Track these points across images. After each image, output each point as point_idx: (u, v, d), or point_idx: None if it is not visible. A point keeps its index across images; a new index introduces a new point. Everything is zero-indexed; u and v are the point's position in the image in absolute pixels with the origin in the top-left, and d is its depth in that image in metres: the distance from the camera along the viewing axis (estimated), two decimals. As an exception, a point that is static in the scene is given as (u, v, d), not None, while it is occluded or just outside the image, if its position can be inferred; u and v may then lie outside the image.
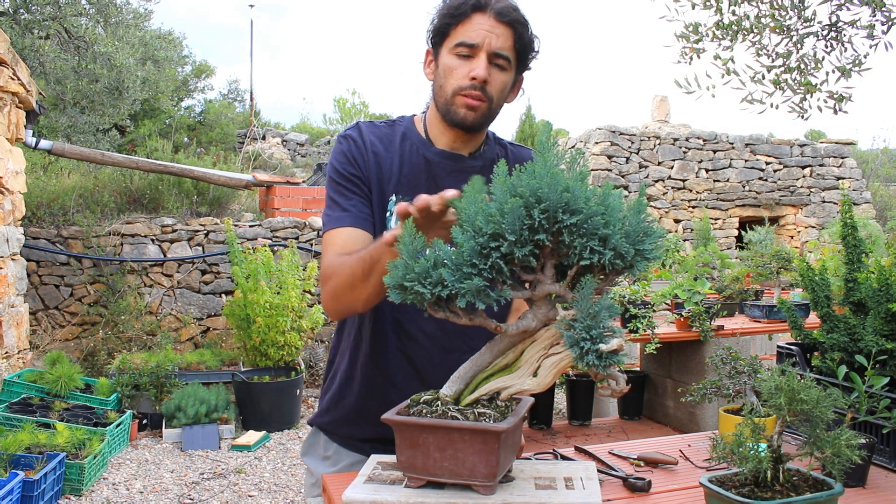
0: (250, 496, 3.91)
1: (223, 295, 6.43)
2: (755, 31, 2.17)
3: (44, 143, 6.19)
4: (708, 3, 2.18)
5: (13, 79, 4.53)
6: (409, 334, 1.53)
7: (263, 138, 12.13)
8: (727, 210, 10.78)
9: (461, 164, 1.53)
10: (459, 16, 1.41)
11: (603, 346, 0.98)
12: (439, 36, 1.46)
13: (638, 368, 4.30)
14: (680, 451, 1.54)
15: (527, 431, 3.72)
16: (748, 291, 4.24)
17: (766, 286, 4.50)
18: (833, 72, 2.16)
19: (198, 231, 6.49)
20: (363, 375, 1.58)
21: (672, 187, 10.56)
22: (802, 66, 2.19)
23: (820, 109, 2.23)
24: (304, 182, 7.86)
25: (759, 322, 3.83)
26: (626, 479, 1.33)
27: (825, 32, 2.14)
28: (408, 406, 1.15)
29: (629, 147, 10.41)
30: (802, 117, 2.26)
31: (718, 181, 10.76)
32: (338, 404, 1.62)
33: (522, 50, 1.45)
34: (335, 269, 1.40)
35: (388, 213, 1.50)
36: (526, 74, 1.54)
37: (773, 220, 10.90)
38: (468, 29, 1.41)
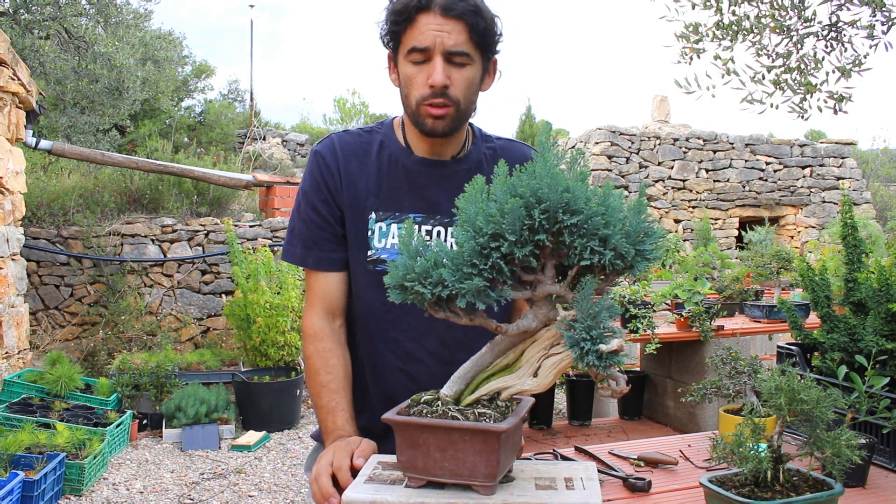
0: (250, 496, 3.91)
1: (223, 295, 6.43)
2: (755, 31, 2.17)
3: (44, 143, 6.19)
4: (708, 3, 2.18)
5: (13, 79, 4.53)
6: (409, 352, 1.50)
7: (263, 138, 12.13)
8: (727, 210, 10.78)
9: (445, 170, 1.47)
10: (404, 21, 1.32)
11: (603, 347, 0.98)
12: (393, 42, 1.38)
13: (638, 368, 4.30)
14: (680, 451, 1.55)
15: (527, 431, 3.72)
16: (748, 291, 4.24)
17: (766, 286, 4.50)
18: (833, 72, 2.16)
19: (198, 231, 6.49)
20: (363, 393, 1.56)
21: (672, 187, 10.57)
22: (802, 66, 2.19)
23: (820, 109, 2.23)
24: (304, 182, 7.85)
25: (759, 322, 3.83)
26: (626, 479, 1.33)
27: (825, 32, 2.14)
28: (408, 406, 1.15)
29: (629, 147, 10.41)
30: (802, 117, 2.26)
31: (718, 181, 10.76)
32: None
33: (481, 39, 1.34)
34: (307, 357, 1.48)
35: (369, 232, 1.45)
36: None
37: (773, 221, 10.90)
38: (416, 32, 1.31)
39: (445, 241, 1.47)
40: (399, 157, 1.47)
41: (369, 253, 1.46)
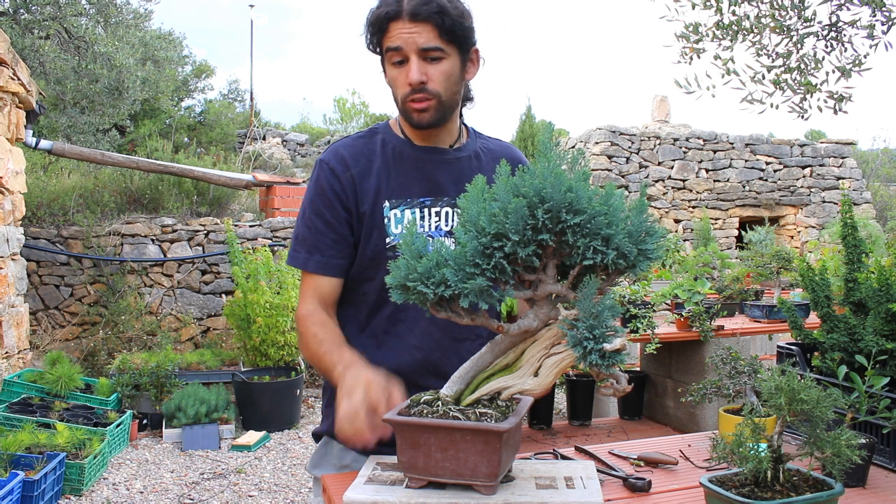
0: (250, 496, 3.91)
1: (223, 295, 6.43)
2: (755, 31, 2.18)
3: (44, 143, 6.19)
4: (708, 3, 2.18)
5: (13, 79, 4.53)
6: (423, 330, 1.54)
7: (263, 138, 12.13)
8: (727, 210, 10.78)
9: (447, 155, 1.58)
10: (379, 31, 1.47)
11: (606, 346, 0.98)
12: (377, 50, 1.52)
13: (638, 368, 4.30)
14: (680, 451, 1.55)
15: (527, 431, 3.72)
16: (748, 291, 4.24)
17: (766, 286, 4.50)
18: (833, 72, 2.16)
19: (198, 231, 6.49)
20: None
21: (672, 187, 10.57)
22: (802, 66, 2.19)
23: (820, 109, 2.23)
24: (304, 182, 7.86)
25: (759, 322, 3.83)
26: (626, 479, 1.33)
27: (825, 32, 2.14)
28: (408, 406, 1.15)
29: (629, 147, 10.41)
30: (802, 117, 2.26)
31: (718, 181, 10.76)
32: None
33: (451, 34, 1.45)
34: (302, 333, 1.51)
35: (385, 220, 1.53)
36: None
37: (774, 220, 10.90)
38: (390, 38, 1.46)
39: (452, 221, 1.55)
40: (403, 149, 1.57)
41: (388, 239, 1.53)
